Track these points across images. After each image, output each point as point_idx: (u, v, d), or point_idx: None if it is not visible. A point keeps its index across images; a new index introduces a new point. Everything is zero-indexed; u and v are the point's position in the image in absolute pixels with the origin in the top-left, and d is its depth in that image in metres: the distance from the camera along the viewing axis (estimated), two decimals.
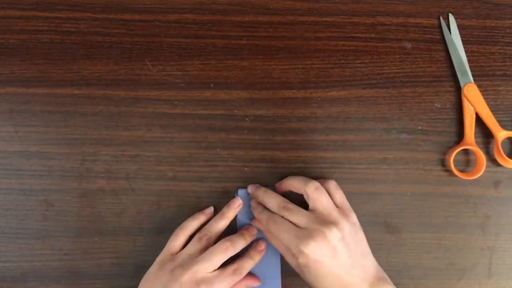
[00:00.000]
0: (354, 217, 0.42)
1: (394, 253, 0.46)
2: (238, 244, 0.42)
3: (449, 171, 0.47)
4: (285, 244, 0.40)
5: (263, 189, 0.44)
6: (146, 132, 0.46)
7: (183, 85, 0.47)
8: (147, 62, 0.47)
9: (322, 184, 0.42)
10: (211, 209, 0.45)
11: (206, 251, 0.40)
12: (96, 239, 0.45)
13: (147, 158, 0.46)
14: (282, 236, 0.40)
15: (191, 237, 0.43)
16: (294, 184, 0.43)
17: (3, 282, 0.45)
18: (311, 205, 0.41)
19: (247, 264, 0.42)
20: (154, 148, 0.46)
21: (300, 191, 0.42)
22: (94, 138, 0.46)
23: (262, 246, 0.44)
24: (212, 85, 0.47)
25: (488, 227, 0.47)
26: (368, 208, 0.46)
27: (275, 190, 0.45)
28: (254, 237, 0.44)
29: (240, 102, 0.47)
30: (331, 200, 0.41)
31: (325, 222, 0.39)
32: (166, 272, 0.40)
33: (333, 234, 0.38)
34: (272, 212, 0.42)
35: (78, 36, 0.47)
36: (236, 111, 0.47)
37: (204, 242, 0.41)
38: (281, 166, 0.46)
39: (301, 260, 0.38)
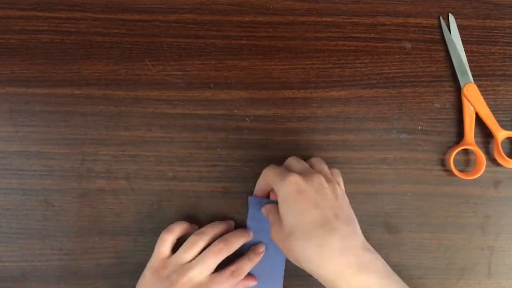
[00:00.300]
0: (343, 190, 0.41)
1: (394, 253, 0.46)
2: (233, 244, 0.41)
3: (449, 171, 0.47)
4: (271, 181, 0.39)
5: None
6: (146, 132, 0.46)
7: (183, 85, 0.47)
8: (147, 62, 0.47)
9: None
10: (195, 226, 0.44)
11: (200, 255, 0.40)
12: (96, 239, 0.45)
13: (147, 158, 0.46)
14: (269, 174, 0.39)
15: (178, 241, 0.42)
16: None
17: (3, 282, 0.45)
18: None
19: (246, 266, 0.42)
20: (154, 148, 0.46)
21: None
22: (94, 138, 0.46)
23: (261, 248, 0.43)
24: (212, 85, 0.47)
25: (488, 227, 0.47)
26: (368, 208, 0.46)
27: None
28: (250, 238, 0.43)
29: (240, 102, 0.47)
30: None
31: (316, 171, 0.39)
32: (161, 279, 0.39)
33: (321, 179, 0.37)
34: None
35: (78, 36, 0.47)
36: (236, 111, 0.47)
37: (198, 245, 0.41)
38: (281, 166, 0.46)
39: (282, 191, 0.36)
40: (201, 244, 0.41)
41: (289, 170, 0.39)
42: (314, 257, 0.34)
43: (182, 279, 0.38)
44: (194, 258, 0.40)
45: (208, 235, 0.42)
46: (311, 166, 0.41)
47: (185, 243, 0.41)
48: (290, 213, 0.36)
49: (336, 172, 0.43)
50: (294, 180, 0.37)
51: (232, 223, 0.45)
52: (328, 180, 0.38)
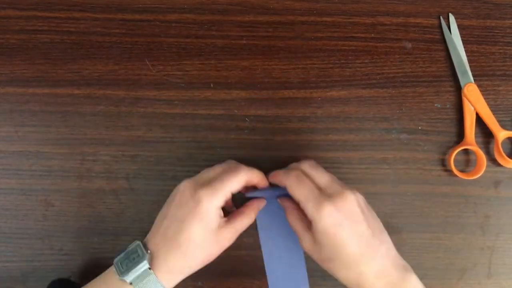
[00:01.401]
0: (363, 197, 0.40)
1: None
2: (240, 174, 0.40)
3: (449, 171, 0.47)
4: (303, 202, 0.38)
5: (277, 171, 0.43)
6: (146, 132, 0.46)
7: (183, 85, 0.47)
8: (147, 62, 0.47)
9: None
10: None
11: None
12: (96, 239, 0.45)
13: (147, 158, 0.46)
14: (302, 193, 0.38)
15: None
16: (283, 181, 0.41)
17: (3, 282, 0.45)
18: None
19: (243, 168, 0.40)
20: (154, 148, 0.46)
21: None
22: (94, 138, 0.46)
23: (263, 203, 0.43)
24: (212, 85, 0.47)
25: (488, 227, 0.47)
26: None
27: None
28: (261, 175, 0.42)
29: (240, 102, 0.47)
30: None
31: (345, 186, 0.38)
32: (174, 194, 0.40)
33: (352, 198, 0.37)
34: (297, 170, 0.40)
35: (78, 36, 0.47)
36: (236, 111, 0.47)
37: (216, 168, 0.40)
38: (281, 166, 0.46)
39: (320, 221, 0.36)
40: (218, 169, 0.40)
41: (316, 183, 0.38)
42: (353, 281, 0.37)
43: (188, 182, 0.39)
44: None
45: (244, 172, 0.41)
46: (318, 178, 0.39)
47: (204, 170, 0.41)
48: (328, 245, 0.37)
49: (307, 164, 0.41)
50: (331, 213, 0.36)
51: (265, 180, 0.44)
52: (356, 195, 0.38)
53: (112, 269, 0.38)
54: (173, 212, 0.38)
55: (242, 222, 0.40)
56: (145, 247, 0.38)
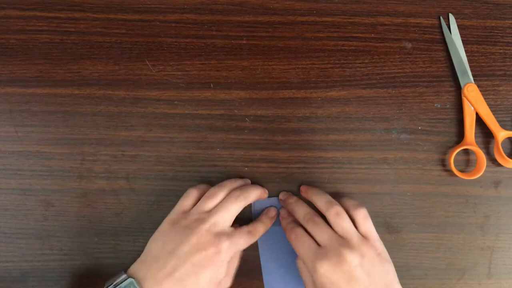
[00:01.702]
0: (380, 247, 0.39)
1: (394, 253, 0.46)
2: (249, 193, 0.41)
3: (449, 171, 0.47)
4: (302, 259, 0.40)
5: (294, 198, 0.44)
6: (146, 132, 0.46)
7: (183, 85, 0.47)
8: (147, 62, 0.47)
9: (350, 209, 0.40)
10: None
11: (220, 203, 0.40)
12: (96, 239, 0.45)
13: (147, 158, 0.46)
14: (300, 250, 0.40)
15: None
16: (317, 201, 0.42)
17: (3, 282, 0.45)
18: (332, 227, 0.40)
19: (260, 228, 0.42)
20: (154, 148, 0.46)
21: (321, 211, 0.41)
22: (94, 138, 0.46)
23: (273, 212, 0.45)
24: (212, 85, 0.47)
25: (488, 227, 0.47)
26: (368, 208, 0.46)
27: (300, 192, 0.45)
28: (266, 194, 0.44)
29: (240, 102, 0.47)
30: (353, 227, 0.39)
31: (345, 245, 0.38)
32: (180, 229, 0.38)
33: (350, 258, 0.37)
34: (298, 224, 0.42)
35: (78, 36, 0.47)
36: (236, 111, 0.47)
37: (218, 196, 0.41)
38: (281, 166, 0.46)
39: (316, 279, 0.37)
40: (221, 195, 0.41)
41: (319, 240, 0.39)
42: None
43: (205, 225, 0.38)
44: (214, 208, 0.40)
45: (227, 187, 0.42)
46: (335, 223, 0.40)
47: (205, 195, 0.41)
48: None
49: (361, 214, 0.40)
50: (326, 272, 0.37)
51: (249, 180, 0.46)
52: (360, 254, 0.37)
53: None
54: (187, 253, 0.37)
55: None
56: (139, 283, 0.36)
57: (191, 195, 0.42)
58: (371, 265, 0.37)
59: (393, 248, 0.46)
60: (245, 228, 0.41)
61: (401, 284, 0.46)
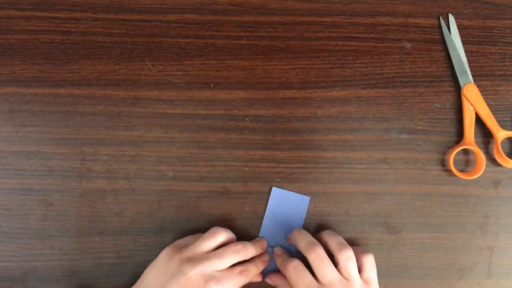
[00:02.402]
0: (373, 275, 0.40)
1: (394, 253, 0.46)
2: (249, 250, 0.42)
3: (448, 171, 0.47)
4: None
5: (298, 229, 0.44)
6: (146, 132, 0.46)
7: (183, 85, 0.47)
8: (147, 62, 0.47)
9: (358, 255, 0.41)
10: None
11: (218, 250, 0.40)
12: (96, 239, 0.45)
13: (147, 158, 0.46)
14: (299, 286, 0.39)
15: None
16: (329, 240, 0.42)
17: (3, 282, 0.45)
18: (339, 269, 0.40)
19: (252, 269, 0.42)
20: (154, 148, 0.46)
21: (332, 252, 0.41)
22: (94, 138, 0.46)
23: (266, 257, 0.44)
24: (212, 85, 0.47)
25: (487, 227, 0.47)
26: (368, 208, 0.46)
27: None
28: (264, 250, 0.44)
29: (240, 102, 0.47)
30: (358, 274, 0.40)
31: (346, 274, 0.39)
32: (174, 263, 0.39)
33: None
34: (297, 260, 0.41)
35: (78, 36, 0.47)
36: (236, 111, 0.47)
37: (218, 238, 0.41)
38: (281, 166, 0.46)
39: None
40: (221, 238, 0.41)
41: (319, 274, 0.39)
42: None
43: (195, 269, 0.38)
44: (210, 252, 0.40)
45: (230, 234, 0.43)
46: (341, 264, 0.40)
47: (206, 234, 0.42)
48: None
49: (369, 260, 0.41)
50: None
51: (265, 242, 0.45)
52: None
53: None
54: None
55: None
56: None
57: (196, 236, 0.43)
58: None
59: (393, 248, 0.46)
60: (236, 270, 0.41)
61: (401, 284, 0.46)
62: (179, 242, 0.42)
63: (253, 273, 0.42)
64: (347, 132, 0.47)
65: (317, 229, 0.46)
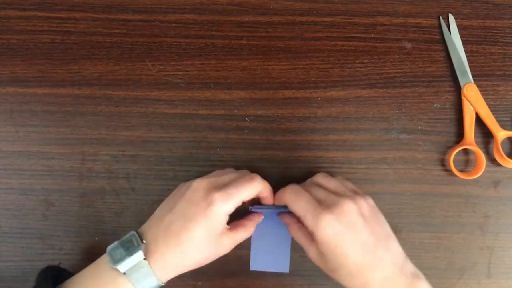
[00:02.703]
0: (371, 200, 0.40)
1: None
2: (257, 182, 0.40)
3: (448, 171, 0.47)
4: (302, 215, 0.38)
5: (292, 186, 0.43)
6: (146, 132, 0.46)
7: (183, 85, 0.47)
8: (148, 62, 0.47)
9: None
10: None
11: (233, 181, 0.40)
12: (96, 238, 0.45)
13: (147, 158, 0.46)
14: (300, 206, 0.38)
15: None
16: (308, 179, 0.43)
17: (4, 281, 0.45)
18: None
19: (258, 179, 0.41)
20: (154, 148, 0.46)
21: (311, 178, 0.42)
22: (94, 138, 0.46)
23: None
24: (212, 85, 0.47)
25: (487, 226, 0.47)
26: None
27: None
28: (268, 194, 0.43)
29: (240, 102, 0.47)
30: (342, 185, 0.41)
31: (342, 196, 0.38)
32: (182, 189, 0.40)
33: (350, 206, 0.37)
34: (294, 184, 0.42)
35: (78, 36, 0.47)
36: (236, 111, 0.47)
37: (229, 174, 0.41)
38: (281, 166, 0.46)
39: (319, 232, 0.36)
40: (232, 175, 0.40)
41: (316, 197, 0.39)
42: None
43: (202, 183, 0.38)
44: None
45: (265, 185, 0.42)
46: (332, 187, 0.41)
47: (218, 171, 0.42)
48: (331, 256, 0.37)
49: (342, 177, 0.43)
50: (329, 223, 0.36)
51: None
52: (356, 203, 0.38)
53: (104, 257, 0.37)
54: (181, 208, 0.38)
55: (242, 234, 0.41)
56: (141, 237, 0.38)
57: (227, 174, 0.41)
58: (370, 215, 0.38)
59: None
60: (242, 178, 0.40)
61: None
62: (213, 179, 0.40)
63: (259, 182, 0.40)
64: (347, 132, 0.47)
65: None
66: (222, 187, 0.38)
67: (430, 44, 0.48)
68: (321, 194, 0.39)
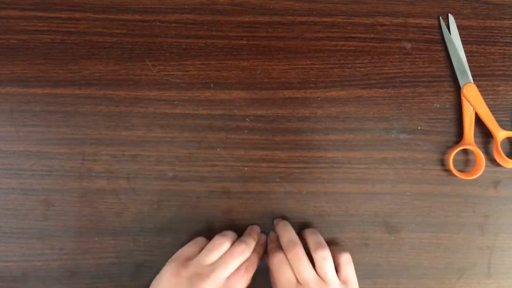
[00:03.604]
0: (347, 255, 0.41)
1: (394, 253, 0.46)
2: (251, 244, 0.41)
3: (448, 171, 0.47)
4: None
5: (283, 221, 0.44)
6: (146, 132, 0.46)
7: (183, 85, 0.47)
8: (148, 62, 0.47)
9: (334, 254, 0.41)
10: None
11: (223, 256, 0.40)
12: (96, 238, 0.45)
13: (147, 158, 0.46)
14: (278, 279, 0.40)
15: None
16: (308, 238, 0.42)
17: (4, 282, 0.45)
18: (316, 269, 0.40)
19: (255, 259, 0.41)
20: (154, 148, 0.46)
21: (310, 251, 0.41)
22: (94, 138, 0.46)
23: (263, 239, 0.44)
24: (212, 85, 0.47)
25: (487, 226, 0.47)
26: (367, 208, 0.46)
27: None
28: (259, 235, 0.44)
29: (240, 102, 0.47)
30: (335, 274, 0.40)
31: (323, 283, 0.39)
32: (183, 281, 0.38)
33: None
34: (282, 254, 0.41)
35: (78, 36, 0.47)
36: (236, 111, 0.47)
37: (224, 246, 0.40)
38: (281, 166, 0.46)
39: None
40: (226, 245, 0.40)
41: (299, 276, 0.39)
42: None
43: (206, 282, 0.38)
44: (216, 262, 0.40)
45: (233, 236, 0.42)
46: (317, 264, 0.40)
47: (210, 244, 0.41)
48: None
49: (345, 258, 0.41)
50: None
51: (258, 228, 0.45)
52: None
53: None
54: None
55: None
56: None
57: (199, 243, 0.42)
58: None
59: (392, 248, 0.46)
60: (242, 269, 0.40)
61: (401, 283, 0.46)
62: (181, 253, 0.41)
63: (256, 262, 0.41)
64: (347, 132, 0.47)
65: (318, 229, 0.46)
66: (209, 272, 0.38)
67: (430, 44, 0.48)
68: (305, 275, 0.39)
